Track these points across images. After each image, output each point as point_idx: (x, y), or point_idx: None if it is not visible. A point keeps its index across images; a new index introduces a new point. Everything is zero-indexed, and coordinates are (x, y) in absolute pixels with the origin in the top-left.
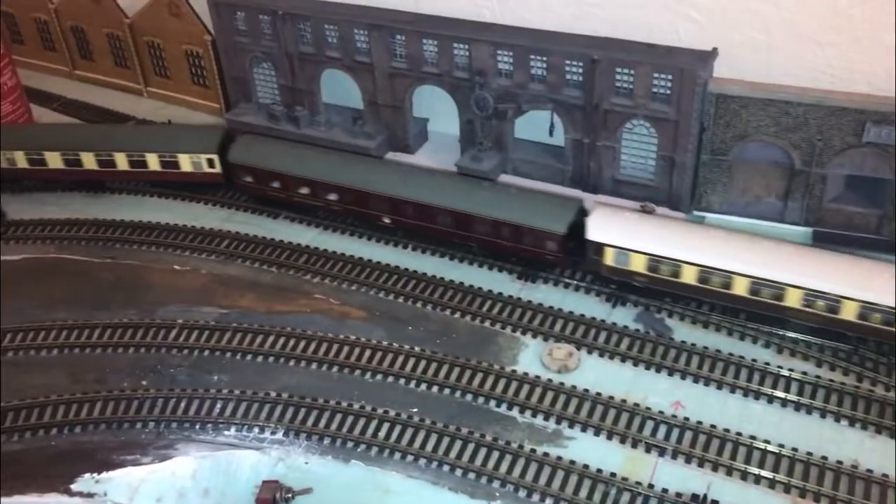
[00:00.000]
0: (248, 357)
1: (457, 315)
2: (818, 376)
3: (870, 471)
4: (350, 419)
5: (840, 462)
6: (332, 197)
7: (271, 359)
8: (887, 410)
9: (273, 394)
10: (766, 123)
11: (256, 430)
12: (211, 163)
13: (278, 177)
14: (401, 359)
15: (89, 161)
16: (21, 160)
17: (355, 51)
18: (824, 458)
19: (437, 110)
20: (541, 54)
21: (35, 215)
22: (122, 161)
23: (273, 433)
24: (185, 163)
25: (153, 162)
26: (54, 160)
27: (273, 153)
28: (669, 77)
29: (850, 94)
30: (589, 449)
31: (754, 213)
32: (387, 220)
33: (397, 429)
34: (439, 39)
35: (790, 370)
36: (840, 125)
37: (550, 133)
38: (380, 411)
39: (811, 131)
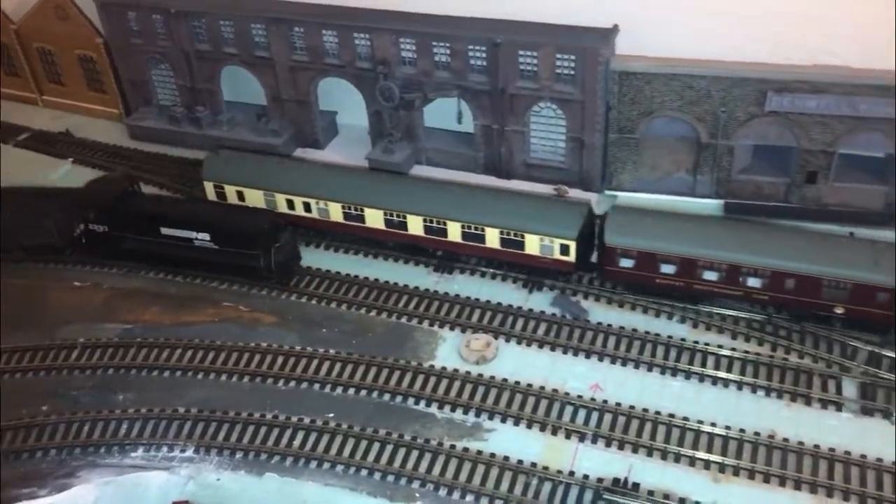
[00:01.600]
0: (155, 373)
1: (372, 313)
2: (734, 348)
3: (786, 440)
4: (263, 430)
5: (758, 433)
6: (756, 284)
7: (179, 373)
8: (801, 378)
9: (182, 409)
10: (671, 98)
11: (165, 448)
12: (565, 249)
13: (677, 261)
14: (314, 363)
15: (415, 226)
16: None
17: (254, 46)
18: (742, 430)
19: (346, 102)
20: (443, 40)
21: None
22: (455, 231)
23: (182, 451)
24: (533, 244)
25: (492, 237)
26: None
27: (664, 230)
28: (572, 57)
29: (751, 64)
30: (509, 440)
31: (665, 189)
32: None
33: (312, 436)
34: (339, 30)
35: (706, 344)
36: (743, 96)
37: (458, 120)
38: (294, 419)
39: (715, 104)
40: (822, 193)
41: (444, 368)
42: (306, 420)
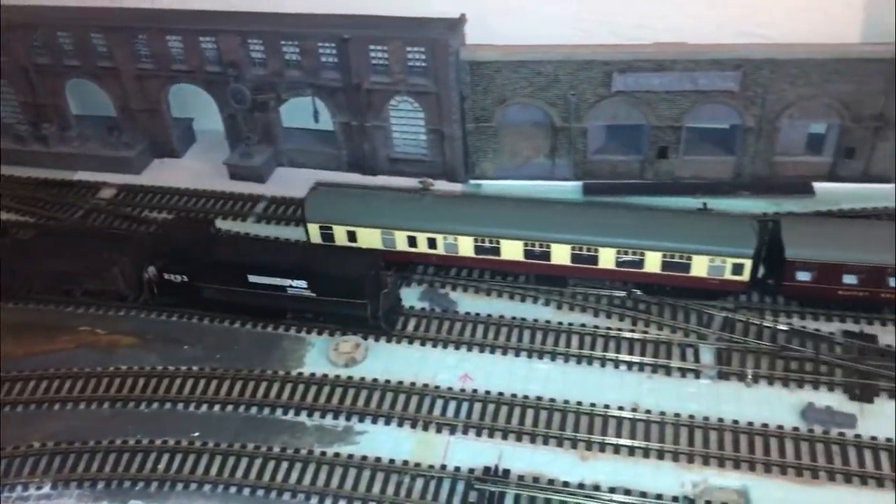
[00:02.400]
0: (7, 409)
1: (237, 325)
2: (596, 326)
3: (648, 411)
4: (126, 457)
5: (622, 407)
6: None
7: (33, 406)
8: (661, 349)
9: (37, 445)
10: (522, 85)
11: (19, 488)
12: (738, 269)
13: (863, 270)
14: (178, 382)
15: (561, 255)
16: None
17: (96, 56)
18: (606, 406)
19: (201, 108)
20: (292, 39)
21: None
22: (608, 258)
23: (38, 488)
24: (700, 266)
25: (653, 262)
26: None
27: (843, 238)
28: (423, 49)
29: (595, 46)
30: (381, 440)
31: (526, 175)
32: None
33: (178, 458)
34: (183, 34)
35: (570, 325)
36: (589, 79)
37: (316, 119)
38: (158, 442)
39: (564, 88)
40: (675, 167)
41: (312, 375)
42: (171, 442)
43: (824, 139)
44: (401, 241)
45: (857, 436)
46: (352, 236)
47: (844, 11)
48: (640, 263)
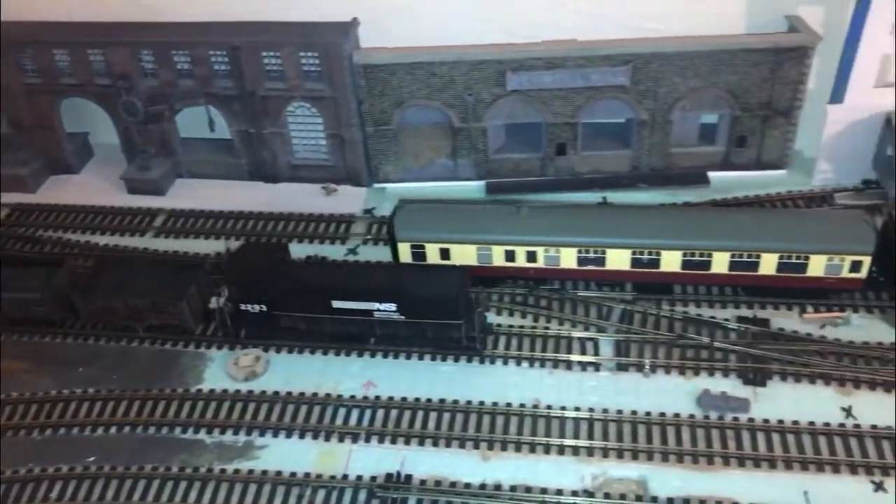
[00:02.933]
0: None
1: (135, 343)
2: (499, 325)
3: (549, 406)
4: (16, 488)
5: (523, 405)
6: None
7: None
8: (562, 344)
9: None
10: (418, 87)
11: None
12: (856, 266)
13: None
14: (72, 406)
15: (672, 262)
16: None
17: None
18: (508, 404)
19: (96, 122)
20: (182, 48)
21: None
22: (721, 262)
23: None
24: (818, 265)
25: (768, 264)
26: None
27: None
28: (316, 54)
29: (488, 46)
30: (282, 453)
31: (430, 176)
32: None
33: (72, 485)
34: (69, 47)
35: None
36: (484, 78)
37: (211, 128)
38: (51, 470)
39: (460, 88)
40: (574, 163)
41: (212, 391)
42: (64, 468)
43: (716, 129)
44: (498, 256)
45: (751, 419)
46: (445, 254)
47: (729, 4)
48: (755, 266)
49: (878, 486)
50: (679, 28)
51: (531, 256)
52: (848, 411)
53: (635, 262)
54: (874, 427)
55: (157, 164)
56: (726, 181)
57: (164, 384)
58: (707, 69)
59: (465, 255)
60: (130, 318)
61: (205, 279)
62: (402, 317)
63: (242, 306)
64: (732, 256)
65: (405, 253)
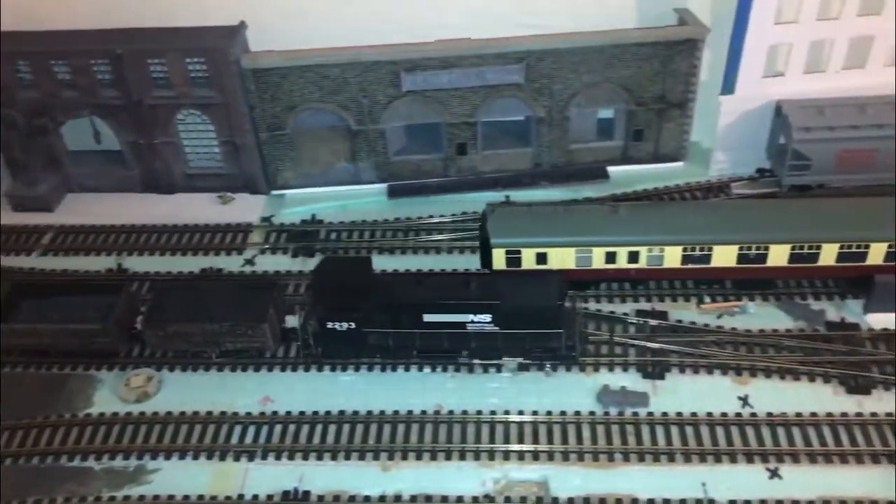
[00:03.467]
0: None
1: (19, 369)
2: None
3: (451, 412)
4: None
5: (424, 411)
6: None
7: None
8: None
9: None
10: (310, 90)
11: None
12: None
13: None
14: None
15: (779, 256)
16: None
17: None
18: (410, 412)
19: None
20: (61, 58)
21: None
22: (829, 254)
23: None
24: (877, 253)
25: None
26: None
27: None
28: (202, 60)
29: (380, 46)
30: (175, 476)
31: (331, 181)
32: None
33: None
34: None
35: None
36: (378, 79)
37: (97, 140)
38: None
39: (354, 90)
40: (476, 162)
41: (101, 415)
42: None
43: (613, 124)
44: (598, 258)
45: (650, 414)
46: (542, 258)
47: None
48: (864, 256)
49: (774, 473)
50: (571, 24)
51: (633, 257)
52: (745, 400)
53: (741, 259)
54: (770, 415)
55: (44, 180)
56: (626, 175)
57: (50, 410)
58: (600, 64)
59: (563, 258)
60: (206, 343)
61: (280, 299)
62: (498, 328)
63: (329, 324)
64: (841, 248)
65: (499, 259)
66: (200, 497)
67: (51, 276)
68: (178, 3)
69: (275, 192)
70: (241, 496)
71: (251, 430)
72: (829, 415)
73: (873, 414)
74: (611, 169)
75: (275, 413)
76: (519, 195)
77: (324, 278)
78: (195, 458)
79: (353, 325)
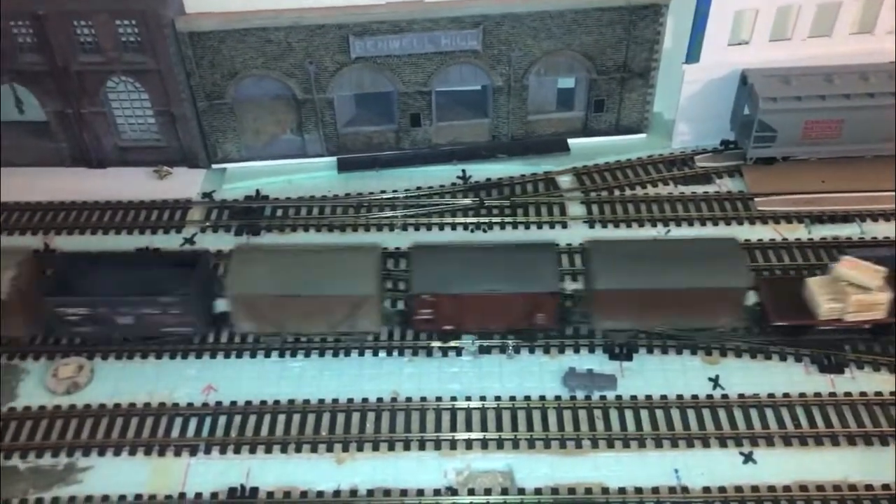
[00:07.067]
0: None
1: None
2: None
3: (409, 398)
4: None
5: (381, 399)
6: None
7: None
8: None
9: None
10: (252, 56)
11: None
12: None
13: None
14: None
15: None
16: None
17: None
18: (365, 399)
19: None
20: None
21: None
22: None
23: None
24: None
25: None
26: None
27: None
28: (134, 22)
29: (326, 9)
30: (109, 475)
31: (276, 153)
32: None
33: None
34: None
35: None
36: (325, 45)
37: (19, 110)
38: None
39: (299, 56)
40: (430, 134)
41: (27, 408)
42: None
43: (574, 94)
44: None
45: (619, 397)
46: None
47: None
48: None
49: (748, 458)
50: None
51: None
52: (715, 381)
53: None
54: (741, 396)
55: None
56: (587, 147)
57: None
58: (560, 30)
59: None
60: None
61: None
62: None
63: None
64: None
65: None
66: (138, 496)
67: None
68: None
69: (215, 166)
70: (182, 494)
71: (193, 422)
72: (802, 395)
73: (847, 394)
74: (571, 141)
75: (218, 403)
76: (475, 168)
77: None
78: (132, 453)
79: None
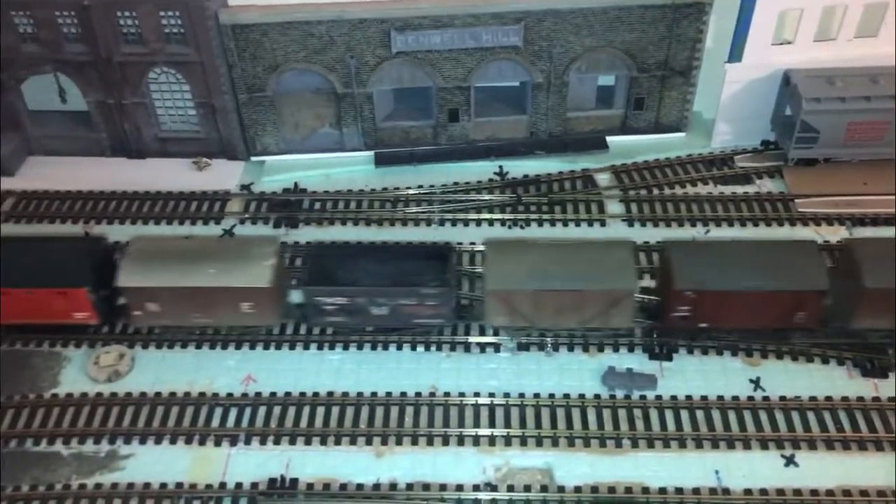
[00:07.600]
0: None
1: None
2: None
3: (447, 394)
4: None
5: (419, 393)
6: None
7: None
8: (458, 325)
9: None
10: (294, 49)
11: None
12: None
13: None
14: None
15: None
16: None
17: None
18: (403, 394)
19: None
20: (22, 8)
21: None
22: None
23: None
24: None
25: None
26: None
27: None
28: (177, 13)
29: (368, 3)
30: (151, 462)
31: (314, 147)
32: None
33: None
34: None
35: None
36: (367, 39)
37: (63, 99)
38: None
39: (340, 50)
40: (468, 130)
41: (69, 395)
42: None
43: (614, 92)
44: None
45: (658, 397)
46: None
47: None
48: None
49: (790, 461)
50: None
51: None
52: (756, 383)
53: None
54: (783, 398)
55: (4, 141)
56: (625, 145)
57: (12, 391)
58: (602, 27)
59: None
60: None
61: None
62: None
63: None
64: None
65: None
66: (179, 485)
67: None
68: None
69: (254, 159)
70: (223, 484)
71: (233, 412)
72: (845, 399)
73: (891, 398)
74: (610, 139)
75: (258, 394)
76: (513, 165)
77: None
78: (172, 442)
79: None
